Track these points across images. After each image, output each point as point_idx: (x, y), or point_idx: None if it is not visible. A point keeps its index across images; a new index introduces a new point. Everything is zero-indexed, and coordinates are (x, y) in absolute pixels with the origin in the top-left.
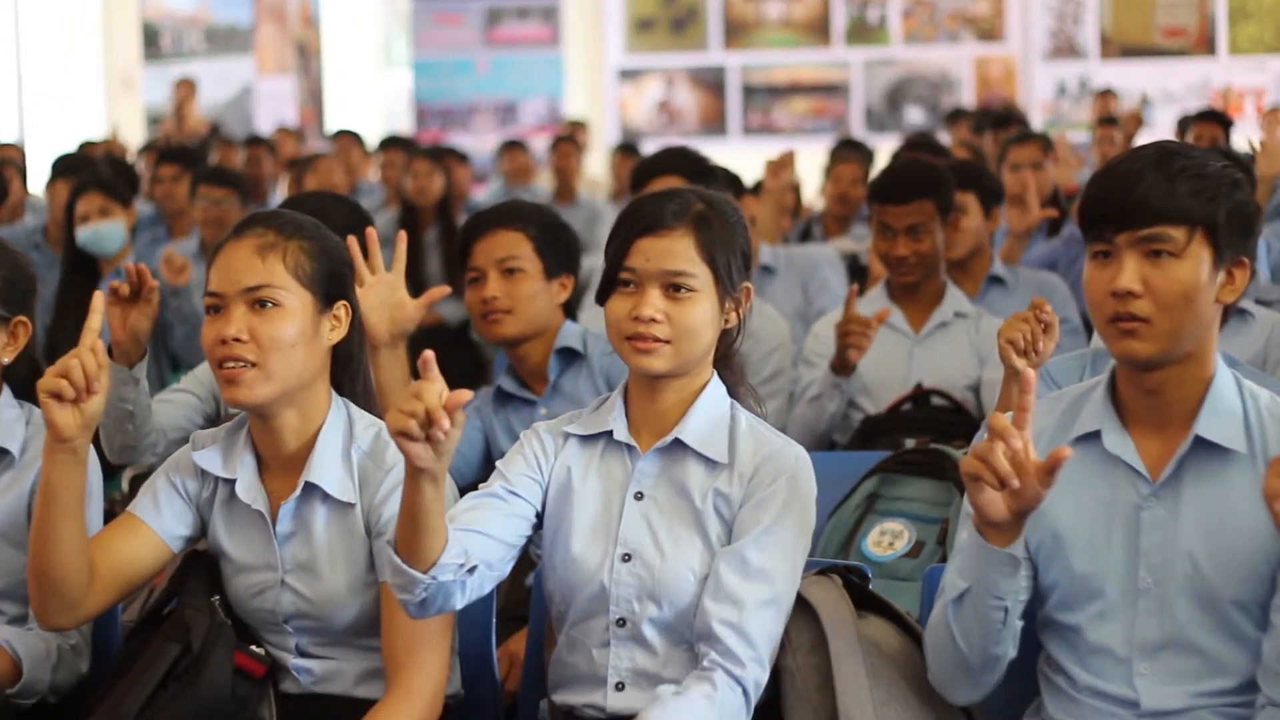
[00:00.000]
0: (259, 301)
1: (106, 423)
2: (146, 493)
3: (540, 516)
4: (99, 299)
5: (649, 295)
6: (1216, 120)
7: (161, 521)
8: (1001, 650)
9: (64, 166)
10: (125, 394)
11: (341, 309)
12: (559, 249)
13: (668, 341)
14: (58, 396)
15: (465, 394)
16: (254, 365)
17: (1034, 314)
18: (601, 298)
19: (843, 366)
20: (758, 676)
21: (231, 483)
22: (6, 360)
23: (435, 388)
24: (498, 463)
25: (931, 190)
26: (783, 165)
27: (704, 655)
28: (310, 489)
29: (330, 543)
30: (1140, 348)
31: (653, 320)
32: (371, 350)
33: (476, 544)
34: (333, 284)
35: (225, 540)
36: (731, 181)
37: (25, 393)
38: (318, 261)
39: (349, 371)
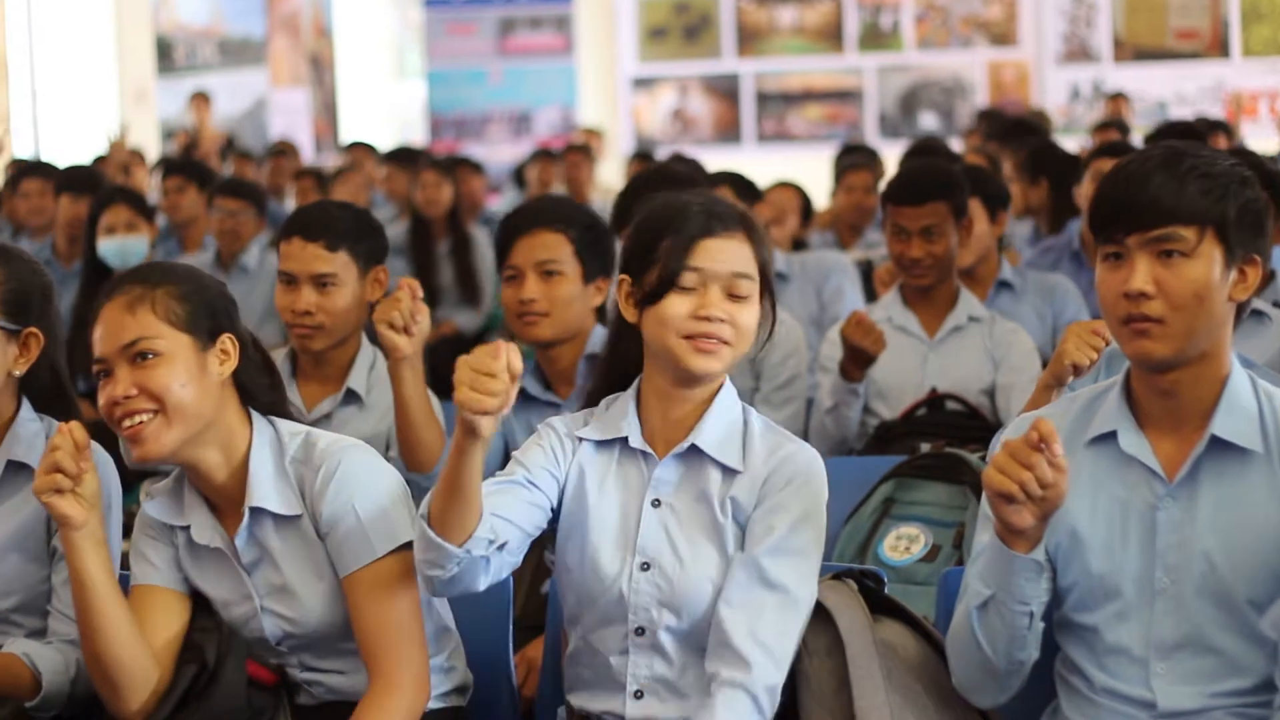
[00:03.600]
0: (139, 355)
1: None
2: (139, 560)
3: (556, 512)
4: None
5: (713, 295)
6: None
7: (164, 577)
8: (1026, 654)
9: (71, 181)
10: None
11: (227, 341)
12: (598, 252)
13: (729, 343)
14: (58, 490)
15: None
16: (151, 416)
17: (1097, 333)
18: (654, 298)
19: (852, 370)
20: (769, 679)
21: (187, 528)
22: (18, 373)
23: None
24: (515, 453)
25: (946, 192)
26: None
27: (710, 674)
28: (257, 513)
29: (294, 559)
30: (1154, 348)
31: (721, 321)
32: (392, 365)
33: (501, 527)
34: (212, 320)
35: (200, 582)
36: (746, 187)
37: (48, 405)
38: (189, 302)
39: (257, 397)
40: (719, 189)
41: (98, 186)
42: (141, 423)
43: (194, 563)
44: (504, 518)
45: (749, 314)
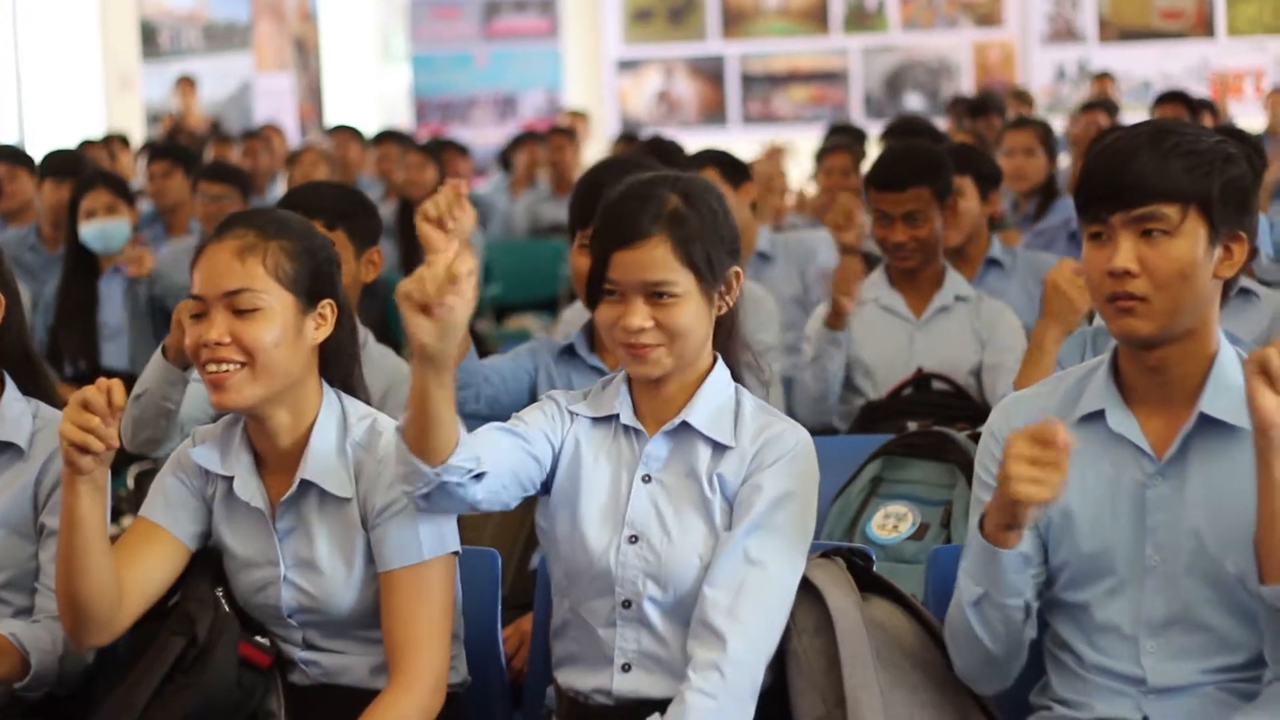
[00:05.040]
0: (241, 305)
1: (140, 417)
2: (157, 495)
3: (550, 477)
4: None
5: (634, 306)
6: (1183, 102)
7: (176, 522)
8: (1025, 637)
9: (53, 166)
10: (171, 393)
11: (327, 308)
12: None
13: (660, 345)
14: (82, 449)
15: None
16: (238, 368)
17: (1077, 272)
18: (591, 304)
19: (836, 318)
20: (743, 655)
21: (230, 479)
22: None
23: (444, 260)
24: (516, 414)
25: (928, 176)
26: (776, 152)
27: (689, 653)
28: (306, 485)
29: (329, 538)
30: (1139, 326)
31: (641, 330)
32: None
33: (491, 455)
34: (317, 283)
35: (227, 536)
36: (734, 167)
37: (19, 376)
38: (299, 262)
39: (335, 369)
40: (704, 170)
41: (80, 171)
42: (227, 371)
43: (227, 515)
44: (499, 448)
45: (680, 312)
